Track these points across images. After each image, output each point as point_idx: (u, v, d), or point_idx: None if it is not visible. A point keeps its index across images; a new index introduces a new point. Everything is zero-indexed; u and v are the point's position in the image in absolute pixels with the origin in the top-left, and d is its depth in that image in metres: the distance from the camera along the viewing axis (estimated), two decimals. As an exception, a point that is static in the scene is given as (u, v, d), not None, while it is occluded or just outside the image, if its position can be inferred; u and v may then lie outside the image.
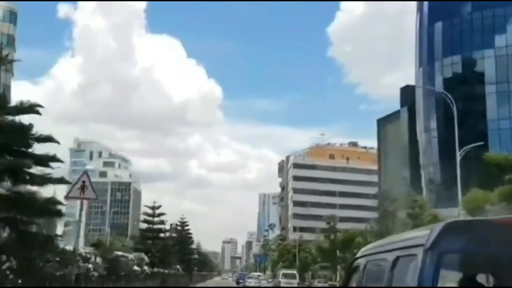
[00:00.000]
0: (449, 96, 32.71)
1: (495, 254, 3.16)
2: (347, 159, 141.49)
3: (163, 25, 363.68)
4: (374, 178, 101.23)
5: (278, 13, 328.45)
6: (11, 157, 11.82)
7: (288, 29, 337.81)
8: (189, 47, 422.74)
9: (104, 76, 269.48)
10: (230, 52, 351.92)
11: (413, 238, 3.32)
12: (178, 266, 51.24)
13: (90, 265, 15.87)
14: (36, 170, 12.05)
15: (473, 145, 34.47)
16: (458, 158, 31.01)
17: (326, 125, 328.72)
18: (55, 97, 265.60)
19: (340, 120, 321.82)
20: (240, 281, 74.68)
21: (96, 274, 16.13)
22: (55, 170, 12.75)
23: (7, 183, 11.66)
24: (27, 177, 11.81)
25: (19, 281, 10.56)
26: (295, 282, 55.41)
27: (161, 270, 35.97)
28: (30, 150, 12.14)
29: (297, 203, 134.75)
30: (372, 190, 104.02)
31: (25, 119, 12.26)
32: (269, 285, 69.35)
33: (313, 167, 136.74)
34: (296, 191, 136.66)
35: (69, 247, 14.06)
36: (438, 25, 64.60)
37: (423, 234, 3.12)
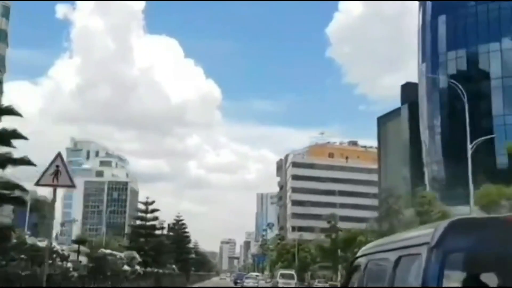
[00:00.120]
0: (459, 86, 30.93)
1: (502, 253, 3.09)
2: (347, 158, 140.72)
3: (162, 25, 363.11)
4: (374, 177, 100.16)
5: (277, 13, 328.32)
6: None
7: (287, 29, 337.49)
8: (187, 47, 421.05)
9: (103, 76, 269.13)
10: (228, 52, 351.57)
11: (416, 236, 3.24)
12: (174, 266, 49.44)
13: (69, 264, 14.09)
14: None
15: (484, 138, 32.82)
16: (470, 152, 29.37)
17: (325, 125, 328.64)
18: (54, 97, 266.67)
19: (339, 120, 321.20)
20: (238, 281, 73.91)
21: (76, 274, 14.34)
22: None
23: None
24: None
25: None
26: (293, 282, 54.65)
27: (155, 270, 34.07)
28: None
29: (295, 202, 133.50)
30: (372, 189, 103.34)
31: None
32: (267, 285, 68.56)
33: (312, 166, 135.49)
34: (295, 190, 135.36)
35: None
36: (442, 18, 62.93)
37: (427, 232, 3.06)
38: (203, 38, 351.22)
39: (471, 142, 31.19)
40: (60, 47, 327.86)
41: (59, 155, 11.23)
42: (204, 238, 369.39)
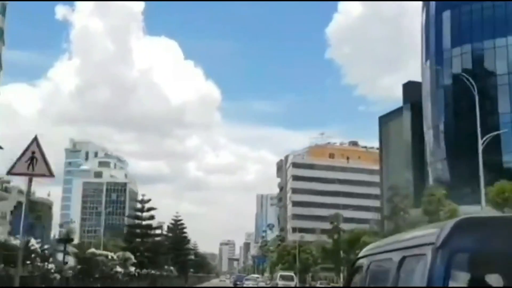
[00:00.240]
0: (469, 78, 29.57)
1: (511, 253, 2.96)
2: (347, 158, 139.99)
3: (161, 27, 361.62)
4: (376, 178, 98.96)
5: (276, 14, 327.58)
6: None
7: (287, 30, 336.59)
8: (187, 48, 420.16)
9: (102, 78, 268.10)
10: (228, 53, 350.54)
11: (421, 236, 3.20)
12: (171, 267, 47.90)
13: (51, 265, 12.67)
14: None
15: (495, 133, 31.43)
16: (481, 148, 27.97)
17: (325, 126, 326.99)
18: (53, 99, 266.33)
19: (339, 121, 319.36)
20: (238, 283, 73.24)
21: (58, 276, 12.94)
22: None
23: None
24: None
25: None
26: (292, 284, 54.31)
27: (151, 271, 32.50)
28: None
29: (296, 203, 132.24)
30: (374, 190, 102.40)
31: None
32: (267, 287, 67.89)
33: (312, 166, 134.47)
34: (295, 191, 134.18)
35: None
36: (447, 14, 61.49)
37: (432, 232, 3.02)
38: (202, 39, 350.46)
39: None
40: (59, 48, 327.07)
41: (35, 139, 9.81)
42: (204, 239, 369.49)
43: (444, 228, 2.92)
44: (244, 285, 65.34)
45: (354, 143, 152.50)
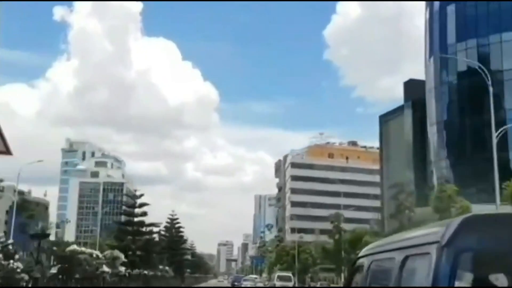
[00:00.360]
0: (483, 68, 27.90)
1: None
2: (347, 158, 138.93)
3: (159, 27, 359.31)
4: (375, 178, 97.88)
5: (274, 16, 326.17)
6: None
7: (285, 31, 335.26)
8: (185, 49, 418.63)
9: (100, 79, 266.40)
10: (226, 54, 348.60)
11: (425, 234, 3.13)
12: (167, 268, 46.06)
13: (17, 264, 10.93)
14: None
15: (506, 127, 29.80)
16: (495, 142, 26.30)
17: (323, 127, 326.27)
18: (51, 100, 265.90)
19: (337, 122, 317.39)
20: (236, 283, 72.84)
21: (26, 276, 11.20)
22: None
23: None
24: None
25: None
26: (290, 284, 53.90)
27: (143, 272, 30.61)
28: None
29: (295, 204, 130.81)
30: (373, 190, 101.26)
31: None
32: (265, 287, 67.52)
33: (312, 166, 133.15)
34: (294, 191, 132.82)
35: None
36: (451, 8, 59.86)
37: (437, 230, 2.95)
38: (200, 40, 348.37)
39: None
40: (58, 49, 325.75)
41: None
42: (202, 240, 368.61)
43: (449, 226, 2.84)
44: (242, 286, 65.08)
45: (354, 143, 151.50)
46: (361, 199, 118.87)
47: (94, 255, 20.04)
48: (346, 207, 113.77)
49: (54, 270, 14.51)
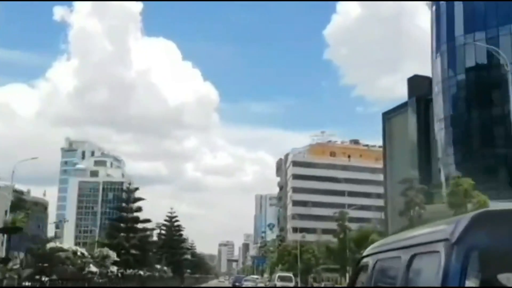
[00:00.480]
0: (499, 51, 26.10)
1: None
2: (349, 156, 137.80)
3: (159, 28, 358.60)
4: (377, 176, 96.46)
5: (274, 15, 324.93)
6: None
7: (285, 31, 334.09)
8: (185, 49, 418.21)
9: (100, 79, 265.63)
10: (226, 54, 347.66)
11: (433, 232, 3.02)
12: (165, 268, 44.22)
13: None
14: None
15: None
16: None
17: (323, 127, 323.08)
18: (51, 100, 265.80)
19: (337, 122, 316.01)
20: (237, 284, 71.96)
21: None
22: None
23: None
24: None
25: None
26: (291, 284, 53.59)
27: (138, 272, 28.73)
28: None
29: (296, 203, 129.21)
30: (376, 189, 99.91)
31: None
32: (266, 287, 67.25)
33: (313, 165, 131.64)
34: (295, 190, 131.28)
35: None
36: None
37: (446, 228, 2.84)
38: (200, 40, 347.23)
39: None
40: (58, 49, 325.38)
41: None
42: (202, 240, 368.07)
43: (459, 222, 2.72)
44: (243, 286, 64.74)
45: (356, 142, 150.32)
46: (364, 198, 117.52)
47: (79, 253, 18.17)
48: (349, 206, 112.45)
49: (29, 270, 12.88)
